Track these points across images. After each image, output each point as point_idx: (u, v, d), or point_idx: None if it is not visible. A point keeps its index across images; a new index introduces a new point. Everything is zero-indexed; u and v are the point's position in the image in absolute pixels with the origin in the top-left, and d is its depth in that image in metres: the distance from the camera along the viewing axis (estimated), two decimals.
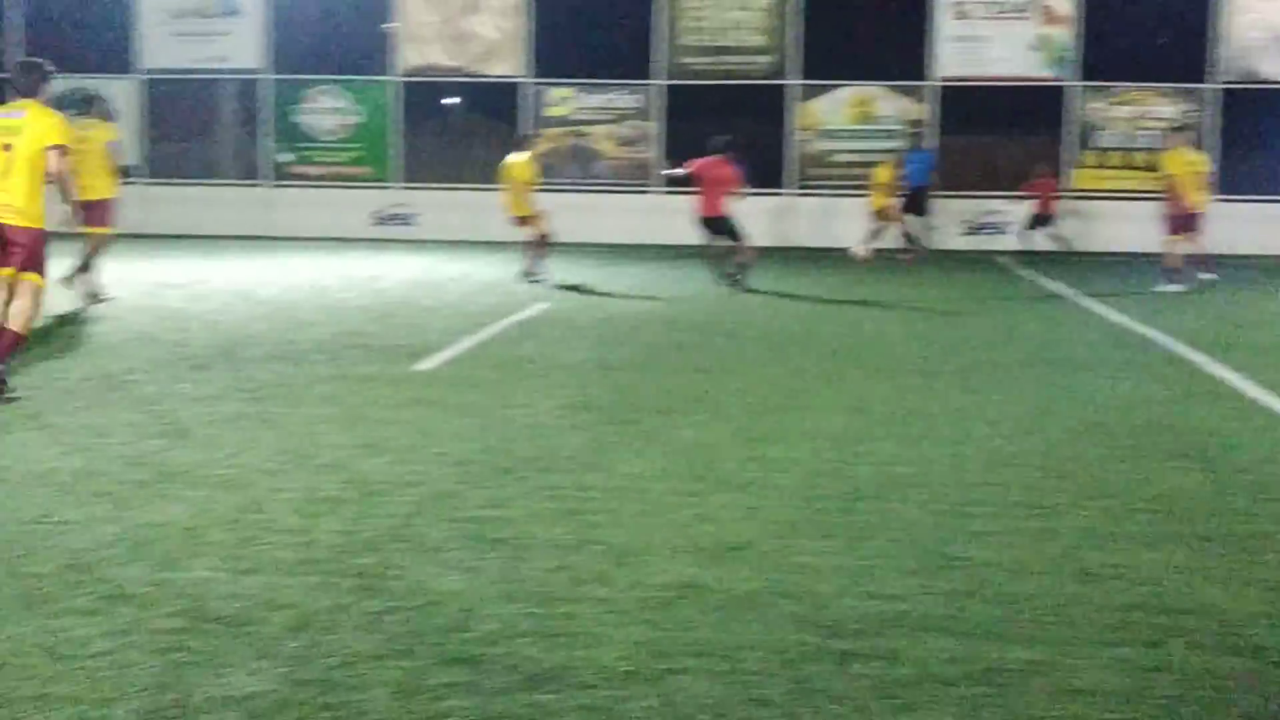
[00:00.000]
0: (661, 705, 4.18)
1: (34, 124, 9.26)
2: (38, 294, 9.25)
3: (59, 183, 9.40)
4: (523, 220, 18.23)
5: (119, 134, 16.20)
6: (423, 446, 7.68)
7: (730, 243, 17.47)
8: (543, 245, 18.13)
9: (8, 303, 9.16)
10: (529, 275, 17.80)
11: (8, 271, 9.15)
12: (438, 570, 5.41)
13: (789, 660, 4.54)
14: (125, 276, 17.34)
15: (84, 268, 14.41)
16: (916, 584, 5.34)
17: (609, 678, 4.36)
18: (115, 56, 26.52)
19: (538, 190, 18.53)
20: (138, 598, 5.04)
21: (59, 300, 12.90)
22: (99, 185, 14.55)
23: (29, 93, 9.51)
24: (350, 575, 5.35)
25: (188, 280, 17.22)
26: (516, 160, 18.24)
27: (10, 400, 8.72)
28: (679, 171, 17.92)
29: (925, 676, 4.42)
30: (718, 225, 17.48)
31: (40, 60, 9.83)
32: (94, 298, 14.37)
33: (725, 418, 8.65)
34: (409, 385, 9.70)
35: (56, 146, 9.24)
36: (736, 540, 5.89)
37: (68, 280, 14.04)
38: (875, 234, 22.33)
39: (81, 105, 15.41)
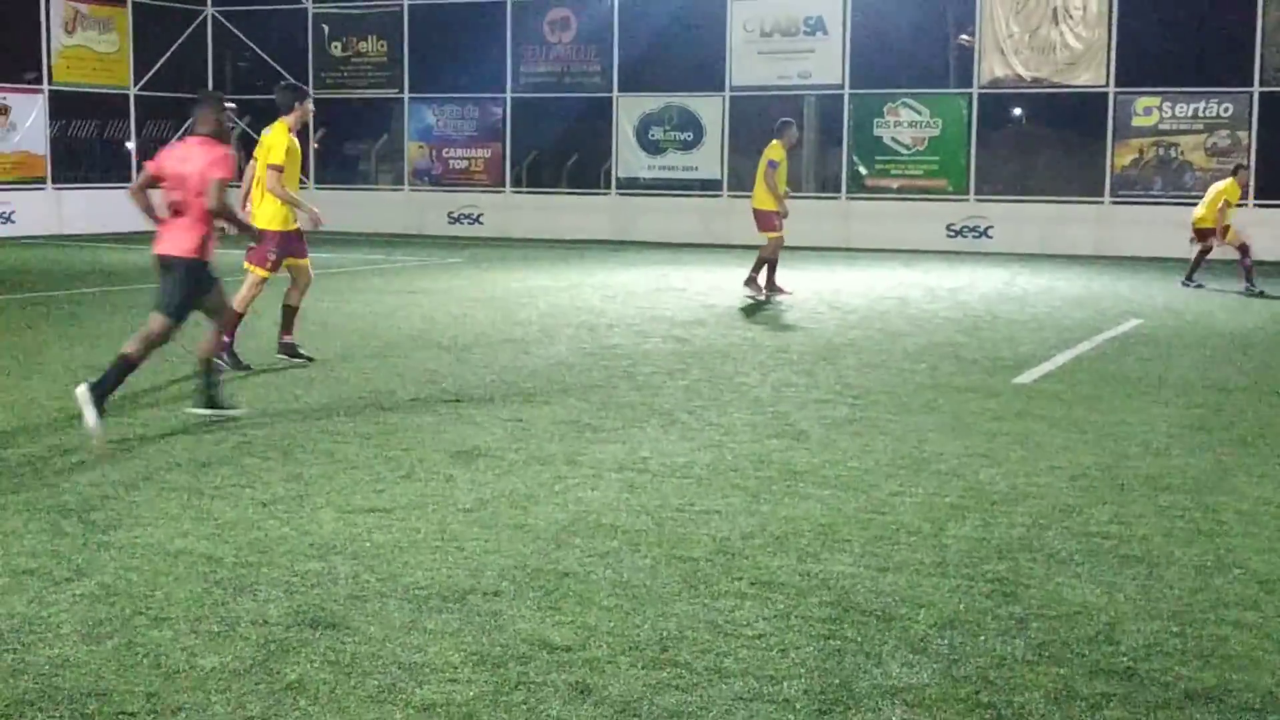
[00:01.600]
0: None
1: (265, 141, 10.87)
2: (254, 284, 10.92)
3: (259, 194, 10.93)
4: (1216, 232, 18.33)
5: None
6: (1035, 459, 7.67)
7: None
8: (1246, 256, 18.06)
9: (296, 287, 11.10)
10: (1249, 289, 17.82)
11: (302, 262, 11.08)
12: (1073, 582, 5.42)
13: None
14: (719, 283, 18.26)
15: None
16: None
17: (1273, 702, 4.23)
18: (706, 75, 27.92)
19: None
20: (788, 586, 5.34)
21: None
22: None
23: (282, 111, 10.90)
24: (986, 580, 5.44)
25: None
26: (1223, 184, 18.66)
27: (304, 360, 10.91)
28: None
29: None
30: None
31: (297, 85, 11.81)
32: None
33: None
34: (1011, 398, 9.70)
35: (272, 165, 10.68)
36: None
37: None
38: None
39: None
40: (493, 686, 4.28)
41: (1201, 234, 18.61)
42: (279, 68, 30.99)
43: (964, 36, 27.20)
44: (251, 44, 31.47)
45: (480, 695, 4.22)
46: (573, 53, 29.11)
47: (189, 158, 8.34)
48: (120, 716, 4.02)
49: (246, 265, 10.84)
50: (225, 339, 9.99)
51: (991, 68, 26.21)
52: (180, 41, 30.90)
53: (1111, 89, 25.28)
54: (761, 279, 16.71)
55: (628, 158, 28.65)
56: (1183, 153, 25.03)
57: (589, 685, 4.30)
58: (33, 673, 4.33)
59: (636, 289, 17.82)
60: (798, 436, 8.26)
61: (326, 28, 31.03)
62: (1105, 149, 25.40)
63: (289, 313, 11.10)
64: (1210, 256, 18.75)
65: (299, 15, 30.96)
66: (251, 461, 7.43)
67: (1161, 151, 25.14)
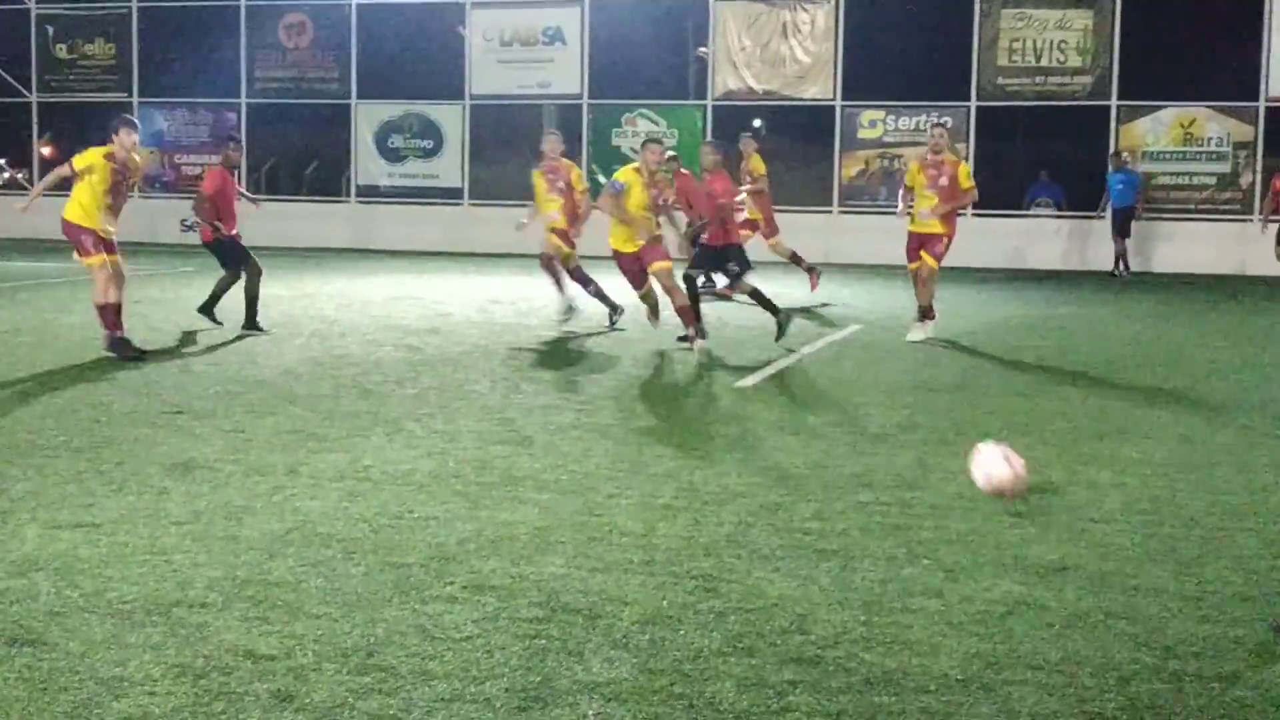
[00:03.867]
0: (998, 713, 4.32)
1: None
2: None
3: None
4: None
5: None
6: (748, 460, 7.96)
7: None
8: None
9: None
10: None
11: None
12: (772, 576, 5.66)
13: (1123, 678, 4.61)
14: (457, 291, 18.30)
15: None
16: (1253, 610, 5.31)
17: (946, 685, 4.52)
18: (446, 83, 27.89)
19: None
20: (500, 588, 5.45)
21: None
22: None
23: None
24: (690, 577, 5.65)
25: (513, 296, 18.01)
26: None
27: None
28: None
29: (1268, 700, 4.43)
30: None
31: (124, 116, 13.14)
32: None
33: (1049, 442, 8.65)
34: (731, 401, 10.01)
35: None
36: (1065, 561, 5.96)
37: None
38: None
39: None
40: (193, 698, 4.27)
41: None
42: (1, 71, 29.74)
43: (701, 49, 27.81)
44: None
45: (180, 707, 4.20)
46: (310, 58, 28.70)
47: None
48: None
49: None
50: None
51: (725, 80, 26.86)
52: None
53: (839, 102, 26.17)
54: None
55: (367, 165, 28.39)
56: (906, 163, 26.07)
57: (291, 692, 4.33)
58: None
59: (373, 297, 17.71)
60: (522, 442, 8.38)
61: (51, 29, 29.89)
62: (833, 160, 26.28)
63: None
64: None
65: (21, 16, 29.74)
66: None
67: (885, 163, 26.16)
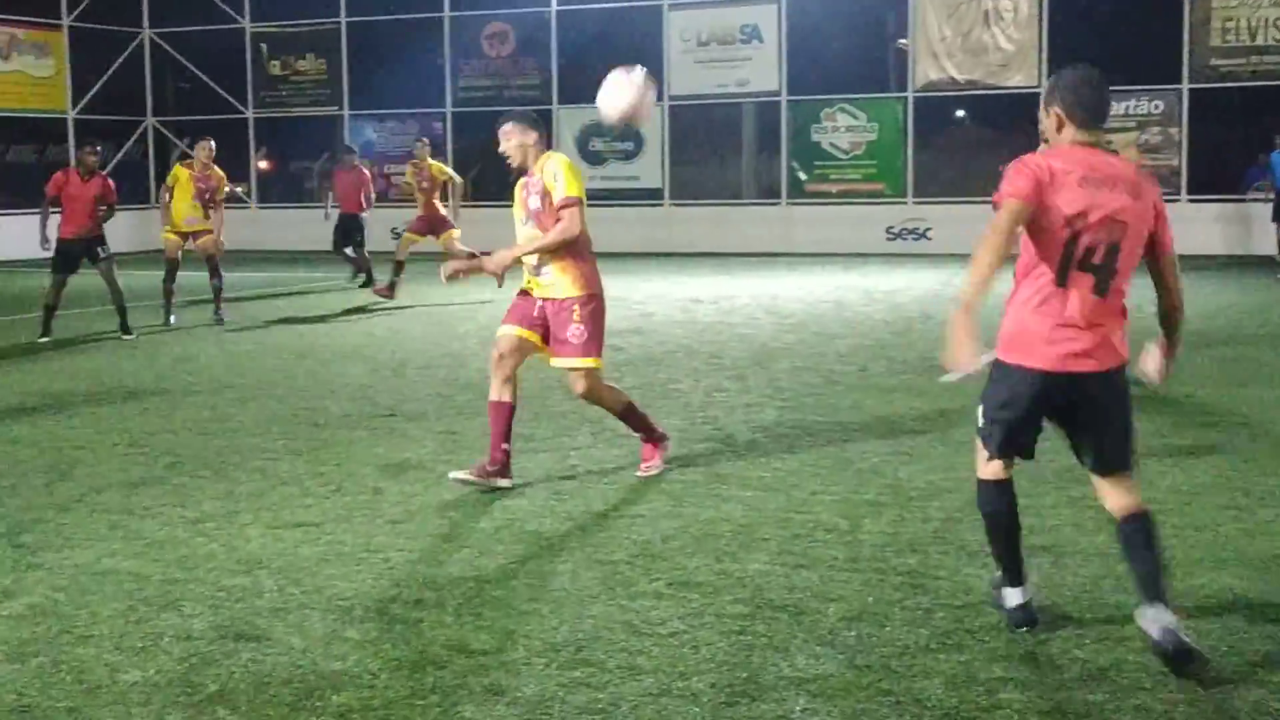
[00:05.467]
0: (1215, 712, 4.19)
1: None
2: None
3: None
4: None
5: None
6: (954, 456, 7.84)
7: None
8: None
9: None
10: None
11: None
12: (980, 572, 5.58)
13: None
14: (659, 292, 18.45)
15: None
16: None
17: (1163, 682, 4.40)
18: None
19: None
20: (704, 585, 5.49)
21: None
22: None
23: None
24: (896, 574, 5.61)
25: (715, 296, 18.07)
26: None
27: None
28: None
29: None
30: None
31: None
32: None
33: (1264, 436, 8.34)
34: (936, 397, 9.89)
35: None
36: None
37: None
38: None
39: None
40: (408, 691, 4.40)
41: None
42: (218, 88, 30.95)
43: (900, 41, 27.50)
44: (190, 65, 31.41)
45: (396, 700, 4.33)
46: (512, 65, 29.23)
47: None
48: None
49: None
50: None
51: (926, 71, 26.50)
52: (118, 64, 30.80)
53: (1044, 90, 25.58)
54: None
55: None
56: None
57: (503, 687, 4.43)
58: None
59: None
60: (724, 440, 8.41)
61: (265, 46, 31.02)
62: (1038, 148, 25.68)
63: None
64: None
65: (237, 35, 30.93)
66: (183, 480, 7.51)
67: None
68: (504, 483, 7.13)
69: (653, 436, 7.57)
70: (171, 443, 8.58)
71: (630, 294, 18.59)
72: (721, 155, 30.14)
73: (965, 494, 6.86)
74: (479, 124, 29.61)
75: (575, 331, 7.05)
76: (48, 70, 29.61)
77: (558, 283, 7.08)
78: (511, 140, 7.23)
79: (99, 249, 14.22)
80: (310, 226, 29.67)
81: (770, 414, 9.29)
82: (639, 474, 7.40)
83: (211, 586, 5.55)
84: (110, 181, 14.51)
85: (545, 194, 7.07)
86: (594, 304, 7.10)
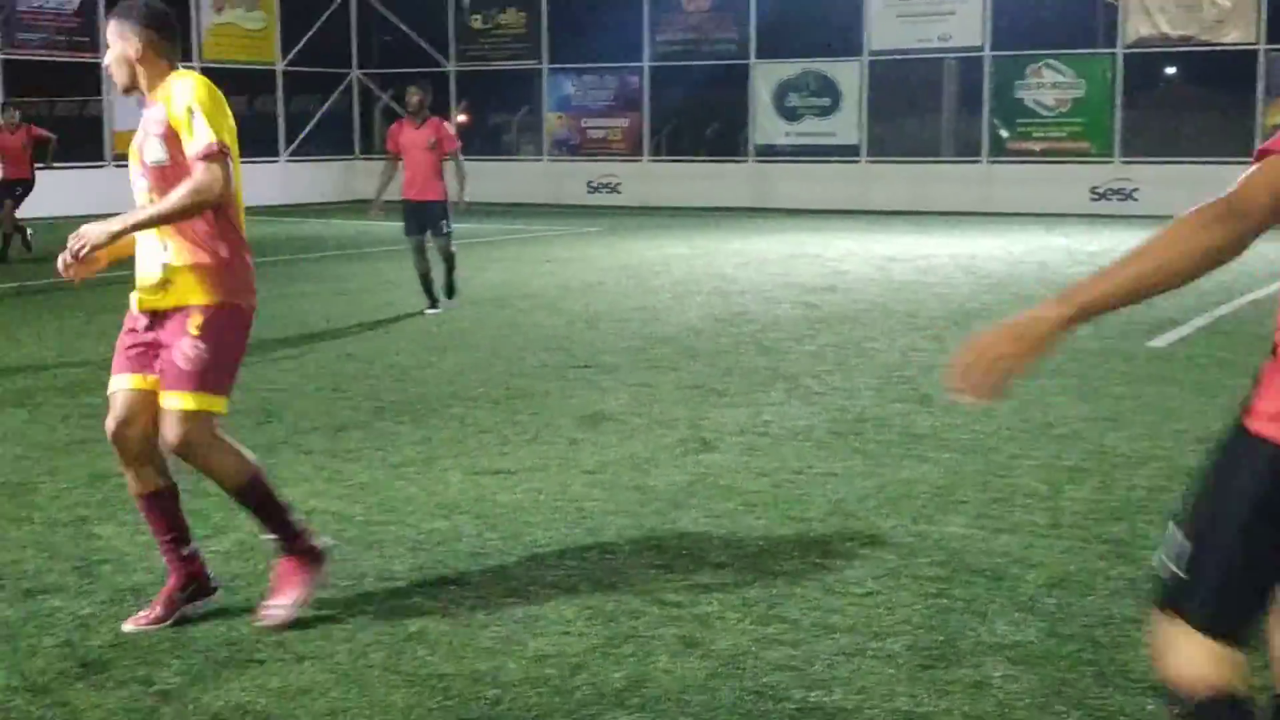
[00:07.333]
0: None
1: None
2: None
3: None
4: None
5: None
6: (1162, 423, 7.61)
7: None
8: None
9: None
10: None
11: None
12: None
13: None
14: (854, 250, 18.27)
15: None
16: None
17: None
18: (844, 39, 27.76)
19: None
20: (900, 546, 5.41)
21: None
22: None
23: None
24: (1100, 541, 5.46)
25: (912, 255, 17.81)
26: None
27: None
28: None
29: None
30: None
31: None
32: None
33: None
34: (1144, 362, 9.60)
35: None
36: None
37: None
38: None
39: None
40: (603, 639, 4.43)
41: None
42: (421, 41, 31.47)
43: None
44: (394, 18, 31.99)
45: (592, 648, 4.36)
46: (709, 20, 29.11)
47: None
48: (249, 665, 4.25)
49: None
50: None
51: (1137, 27, 25.65)
52: (325, 17, 31.53)
53: (1262, 46, 24.58)
54: None
55: (765, 124, 28.59)
56: None
57: (697, 639, 4.43)
58: (172, 624, 4.58)
59: (770, 256, 17.85)
60: (921, 401, 8.28)
61: (467, 1, 31.42)
62: (1255, 108, 24.72)
63: None
64: None
65: None
66: (384, 425, 7.68)
67: None
68: (193, 608, 4.64)
69: (297, 545, 4.72)
70: (373, 388, 8.79)
71: (824, 251, 18.43)
72: (920, 112, 29.62)
73: (1173, 461, 6.68)
74: (676, 79, 29.64)
75: (186, 352, 4.48)
76: (258, 23, 30.47)
77: (176, 282, 4.53)
78: (114, 49, 4.59)
79: (442, 223, 12.75)
80: (507, 179, 30.21)
81: None
82: (259, 619, 4.58)
83: (412, 529, 5.66)
84: None
85: (171, 135, 4.49)
86: (227, 319, 4.56)
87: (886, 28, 27.39)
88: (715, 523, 5.76)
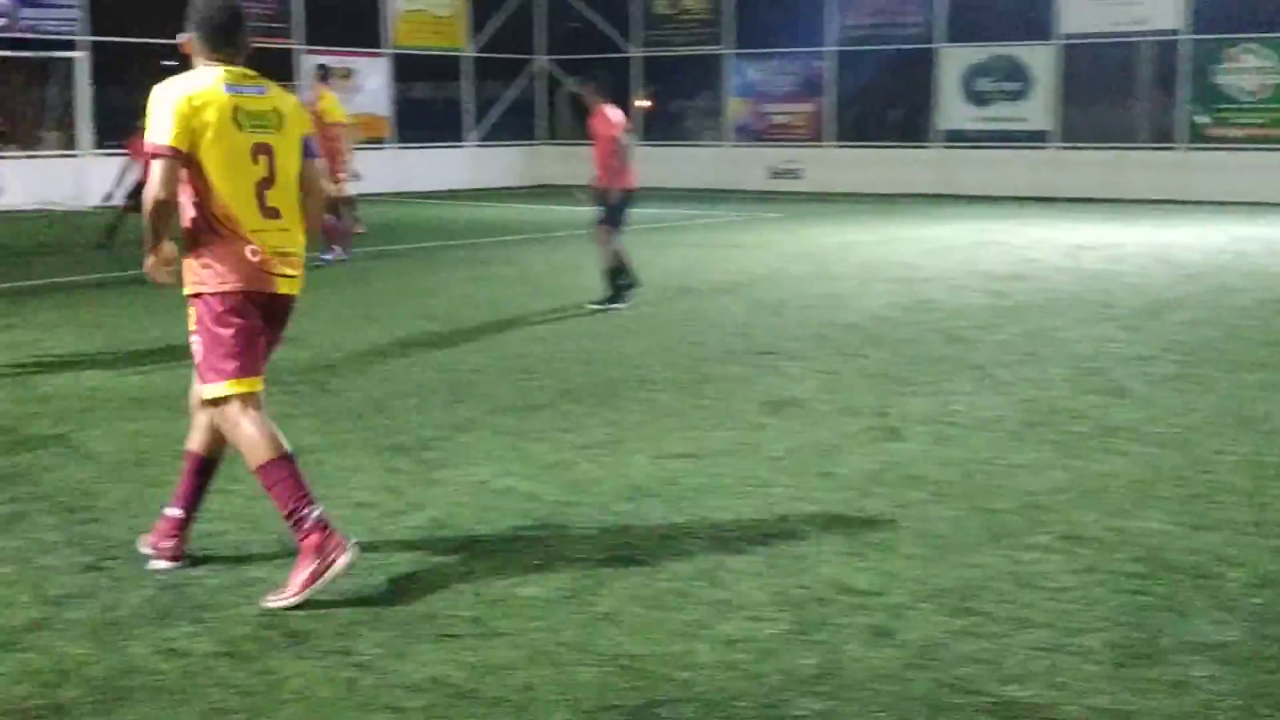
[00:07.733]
0: None
1: None
2: None
3: None
4: None
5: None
6: None
7: None
8: None
9: None
10: None
11: None
12: None
13: None
14: (1043, 237, 17.90)
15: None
16: None
17: None
18: (1035, 23, 27.17)
19: None
20: (1095, 541, 5.29)
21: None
22: None
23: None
24: None
25: (1104, 243, 17.37)
26: None
27: None
28: None
29: None
30: None
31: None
32: None
33: None
34: None
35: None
36: None
37: None
38: None
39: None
40: (794, 625, 4.41)
41: None
42: (607, 28, 31.65)
43: None
44: (580, 4, 32.23)
45: (782, 634, 4.35)
46: (895, 4, 28.74)
47: None
48: (444, 639, 4.33)
49: None
50: None
51: None
52: (514, 3, 31.90)
53: None
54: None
55: (951, 110, 28.14)
56: None
57: (889, 629, 4.39)
58: (370, 592, 4.70)
59: (955, 243, 17.57)
60: (1116, 392, 8.08)
61: None
62: None
63: None
64: None
65: None
66: (572, 408, 7.76)
67: None
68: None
69: (301, 539, 4.71)
70: (561, 371, 8.89)
71: (1012, 238, 18.08)
72: (1114, 97, 28.82)
73: None
74: (860, 64, 29.32)
75: (191, 347, 4.85)
76: (448, 9, 30.96)
77: (184, 275, 4.84)
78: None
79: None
80: (689, 164, 30.24)
81: (1166, 367, 8.87)
82: (266, 601, 4.64)
83: (601, 510, 5.71)
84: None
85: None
86: (205, 309, 4.76)
87: (1080, 11, 26.72)
88: (903, 512, 5.70)
